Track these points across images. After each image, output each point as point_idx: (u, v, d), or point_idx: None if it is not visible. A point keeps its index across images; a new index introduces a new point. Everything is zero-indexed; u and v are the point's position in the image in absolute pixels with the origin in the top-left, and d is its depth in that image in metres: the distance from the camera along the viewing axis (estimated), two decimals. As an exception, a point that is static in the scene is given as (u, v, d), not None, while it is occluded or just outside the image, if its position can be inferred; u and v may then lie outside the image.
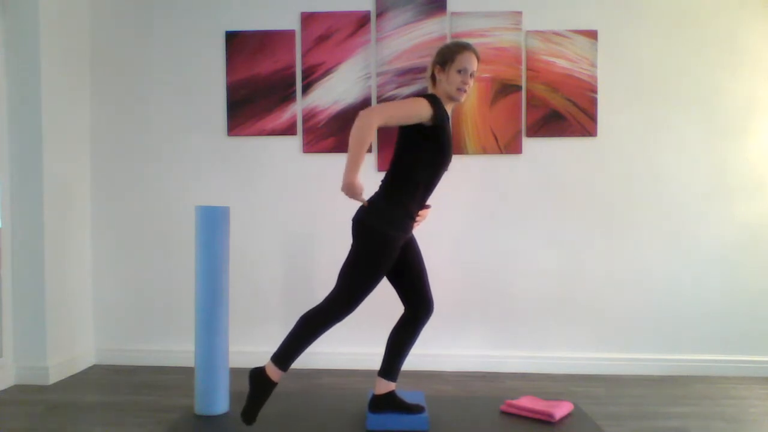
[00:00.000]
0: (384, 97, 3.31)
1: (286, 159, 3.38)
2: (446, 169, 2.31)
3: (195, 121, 3.41)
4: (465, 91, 2.24)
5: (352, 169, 2.04)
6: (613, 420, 2.51)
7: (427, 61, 3.18)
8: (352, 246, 2.20)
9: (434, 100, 2.19)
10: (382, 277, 2.19)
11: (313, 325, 2.16)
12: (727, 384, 3.08)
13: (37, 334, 3.03)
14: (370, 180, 3.34)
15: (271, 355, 2.53)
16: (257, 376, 2.18)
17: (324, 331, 2.18)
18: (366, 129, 2.03)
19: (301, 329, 2.17)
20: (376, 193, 2.24)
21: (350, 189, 2.04)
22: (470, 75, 2.23)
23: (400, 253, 2.30)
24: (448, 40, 3.25)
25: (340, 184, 3.36)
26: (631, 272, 3.30)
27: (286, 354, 2.16)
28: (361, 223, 2.17)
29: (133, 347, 3.45)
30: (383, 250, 2.15)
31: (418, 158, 2.19)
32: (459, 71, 2.22)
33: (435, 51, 2.32)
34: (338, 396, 2.77)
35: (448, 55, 2.24)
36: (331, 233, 3.37)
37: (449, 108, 2.32)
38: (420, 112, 2.12)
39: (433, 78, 2.31)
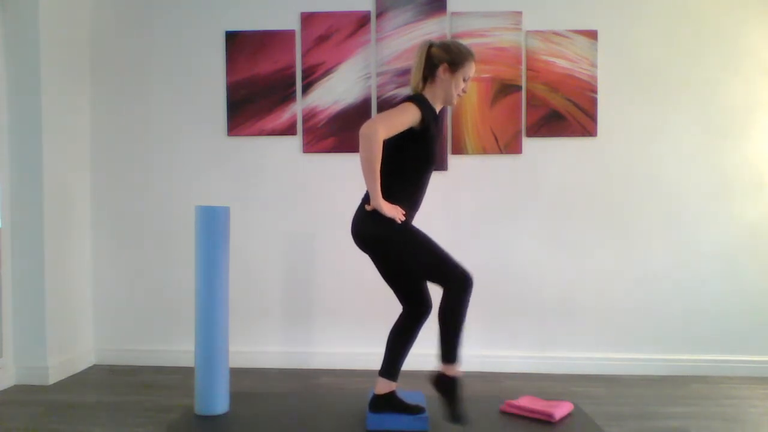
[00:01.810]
0: (384, 97, 3.31)
1: (286, 159, 3.38)
2: (440, 168, 2.31)
3: (195, 121, 3.41)
4: (460, 97, 2.26)
5: (375, 192, 2.05)
6: (613, 420, 2.51)
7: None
8: (377, 258, 2.24)
9: (421, 103, 2.16)
10: (429, 248, 2.12)
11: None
12: (727, 384, 3.08)
13: (37, 334, 3.03)
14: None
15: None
16: (442, 383, 2.17)
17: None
18: (375, 146, 2.01)
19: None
20: (364, 198, 2.24)
21: (385, 212, 2.07)
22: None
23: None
24: (448, 38, 3.24)
25: (340, 183, 3.37)
26: (631, 272, 3.30)
27: (451, 345, 2.14)
28: (365, 235, 2.16)
29: (133, 347, 3.45)
30: (404, 234, 2.12)
31: (403, 159, 2.18)
32: (464, 79, 2.23)
33: (440, 46, 2.23)
34: (338, 396, 2.77)
35: (460, 59, 2.21)
36: (331, 233, 3.37)
37: (438, 108, 2.28)
38: (414, 118, 2.11)
39: (432, 74, 2.23)
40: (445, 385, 2.15)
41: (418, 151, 2.17)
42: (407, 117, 2.10)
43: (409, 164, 2.19)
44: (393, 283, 2.35)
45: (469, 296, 2.13)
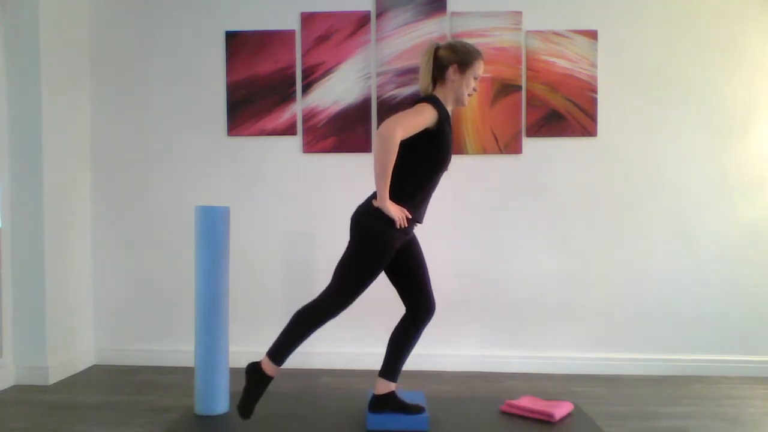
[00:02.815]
0: (384, 97, 3.31)
1: (286, 159, 3.38)
2: (446, 170, 2.30)
3: (195, 121, 3.41)
4: (471, 96, 2.27)
5: (383, 193, 2.06)
6: (613, 420, 2.51)
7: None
8: (349, 243, 2.19)
9: (436, 103, 2.17)
10: (377, 275, 2.18)
11: (307, 320, 2.16)
12: (727, 384, 3.08)
13: (37, 334, 3.03)
14: (371, 181, 3.34)
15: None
16: (253, 370, 2.19)
17: (318, 327, 2.18)
18: (392, 147, 2.00)
19: (296, 324, 2.17)
20: (375, 193, 2.23)
21: (389, 213, 2.07)
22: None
23: (402, 252, 2.30)
24: (449, 39, 3.24)
25: (340, 183, 3.37)
26: (631, 272, 3.30)
27: (281, 349, 2.17)
28: (360, 221, 2.16)
29: (133, 347, 3.45)
30: (381, 248, 2.14)
31: (418, 160, 2.18)
32: (475, 77, 2.23)
33: (447, 48, 2.22)
34: (338, 396, 2.77)
35: (469, 58, 2.20)
36: (331, 233, 3.37)
37: (449, 109, 2.29)
38: (431, 118, 2.11)
39: (442, 76, 2.23)
40: (257, 378, 2.18)
41: (432, 152, 2.17)
42: (424, 118, 2.09)
43: (422, 165, 2.18)
44: (397, 283, 2.35)
45: (327, 318, 2.17)
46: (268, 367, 2.17)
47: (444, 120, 2.17)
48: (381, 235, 2.13)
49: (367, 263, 2.14)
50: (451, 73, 2.21)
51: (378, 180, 2.05)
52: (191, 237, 3.42)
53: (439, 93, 2.25)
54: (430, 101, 2.16)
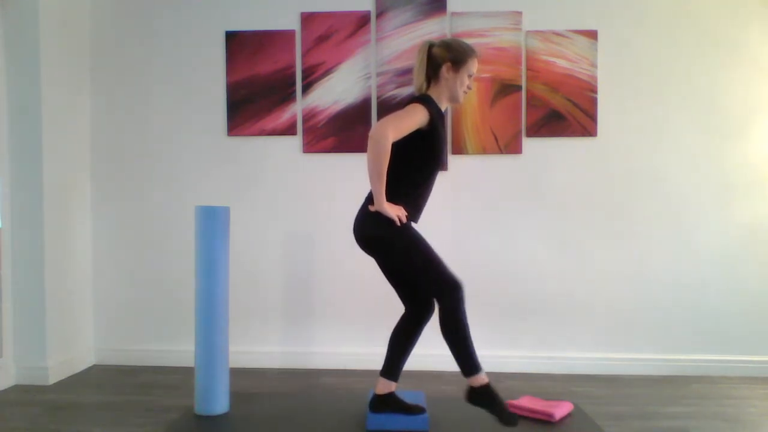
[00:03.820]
0: (384, 97, 3.31)
1: (286, 159, 3.38)
2: (441, 169, 2.30)
3: (195, 121, 3.41)
4: (466, 94, 2.25)
5: (380, 195, 2.04)
6: (613, 420, 2.51)
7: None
8: (382, 258, 2.18)
9: (428, 103, 2.16)
10: (432, 248, 2.14)
11: (456, 324, 2.10)
12: (727, 384, 3.08)
13: (37, 334, 3.03)
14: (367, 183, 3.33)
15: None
16: (474, 395, 2.13)
17: (466, 319, 2.12)
18: (384, 149, 2.00)
19: (454, 335, 2.09)
20: (367, 198, 2.23)
21: (388, 214, 2.05)
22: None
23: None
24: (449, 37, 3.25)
25: (340, 183, 3.37)
26: (631, 272, 3.30)
27: (464, 360, 2.11)
28: (369, 236, 2.15)
29: (133, 347, 3.45)
30: (409, 235, 2.11)
31: (412, 159, 2.18)
32: (469, 75, 2.22)
33: (441, 45, 2.22)
34: (338, 396, 2.77)
35: (462, 56, 2.20)
36: (331, 233, 3.37)
37: (444, 107, 2.29)
38: (423, 119, 2.11)
39: (436, 74, 2.23)
40: (480, 396, 2.13)
41: (425, 152, 2.17)
42: (416, 118, 2.09)
43: (416, 165, 2.18)
44: (395, 283, 2.35)
45: (464, 305, 2.12)
46: (477, 381, 2.11)
47: (436, 119, 2.17)
48: (392, 229, 2.11)
49: (418, 251, 2.11)
50: (445, 71, 2.21)
51: (374, 183, 2.04)
52: (191, 237, 3.42)
53: (434, 91, 2.25)
54: (421, 101, 2.16)
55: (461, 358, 2.12)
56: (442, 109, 2.27)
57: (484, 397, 2.12)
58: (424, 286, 2.15)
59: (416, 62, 2.25)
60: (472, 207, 3.34)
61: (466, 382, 2.10)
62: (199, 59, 3.40)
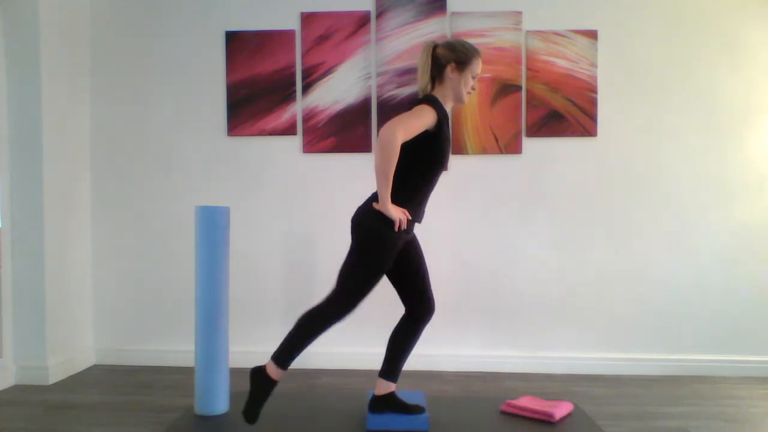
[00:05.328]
0: (384, 97, 3.31)
1: (286, 159, 3.38)
2: (445, 170, 2.30)
3: (195, 121, 3.41)
4: (470, 94, 2.27)
5: (385, 196, 2.05)
6: (613, 420, 2.51)
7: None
8: (352, 246, 2.19)
9: (435, 104, 2.16)
10: (381, 277, 2.18)
11: (312, 324, 2.16)
12: (727, 384, 3.09)
13: (37, 334, 3.03)
14: (371, 181, 3.34)
15: (271, 354, 2.55)
16: (258, 374, 2.17)
17: (324, 331, 2.17)
18: (394, 151, 2.00)
19: (301, 328, 2.16)
20: (375, 194, 2.23)
21: (391, 216, 2.06)
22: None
23: (402, 253, 2.30)
24: (450, 37, 3.25)
25: (340, 183, 3.37)
26: (631, 272, 3.30)
27: (286, 352, 2.16)
28: (361, 223, 2.16)
29: (133, 347, 3.45)
30: (382, 250, 2.13)
31: (417, 160, 2.18)
32: (473, 76, 2.23)
33: (445, 46, 2.22)
34: (338, 396, 2.77)
35: (467, 56, 2.20)
36: (331, 233, 3.37)
37: (449, 108, 2.29)
38: (431, 120, 2.11)
39: (440, 74, 2.23)
40: (258, 379, 2.17)
41: (431, 153, 2.17)
42: (425, 120, 2.09)
43: (421, 165, 2.18)
44: (396, 283, 2.35)
45: (334, 322, 2.16)
46: (273, 371, 2.16)
47: (443, 120, 2.17)
48: (383, 236, 2.12)
49: (370, 265, 2.14)
50: (450, 71, 2.21)
51: (380, 184, 2.04)
52: (191, 237, 3.42)
53: (438, 92, 2.25)
54: (429, 102, 2.16)
55: (285, 346, 2.16)
56: (447, 110, 2.27)
57: (258, 382, 2.17)
58: (339, 280, 2.18)
59: (420, 63, 2.25)
60: (472, 207, 3.34)
61: (266, 360, 2.28)
62: (199, 59, 3.40)
